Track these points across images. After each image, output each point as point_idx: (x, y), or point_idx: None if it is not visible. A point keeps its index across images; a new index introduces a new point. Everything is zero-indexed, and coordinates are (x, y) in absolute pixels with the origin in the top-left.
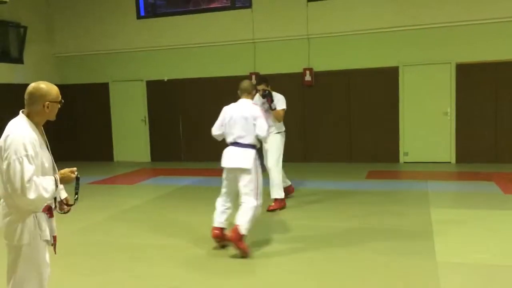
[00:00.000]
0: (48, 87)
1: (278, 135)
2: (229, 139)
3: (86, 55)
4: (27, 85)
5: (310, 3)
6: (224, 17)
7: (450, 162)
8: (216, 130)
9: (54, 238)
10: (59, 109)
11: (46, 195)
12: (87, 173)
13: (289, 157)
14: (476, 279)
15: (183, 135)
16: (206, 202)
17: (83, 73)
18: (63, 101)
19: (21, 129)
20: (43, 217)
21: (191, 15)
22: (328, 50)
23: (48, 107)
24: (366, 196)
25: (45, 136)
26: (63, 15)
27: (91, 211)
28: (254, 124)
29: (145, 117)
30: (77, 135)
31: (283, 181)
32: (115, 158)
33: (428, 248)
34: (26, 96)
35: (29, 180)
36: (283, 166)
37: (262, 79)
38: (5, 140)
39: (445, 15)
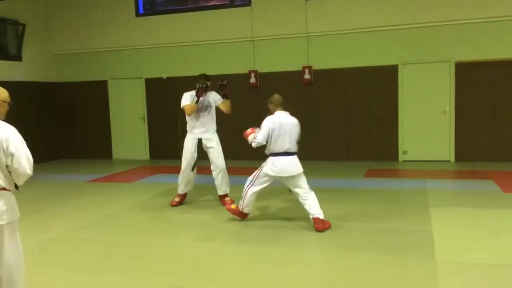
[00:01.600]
0: None
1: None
2: (277, 148)
3: (85, 52)
4: (26, 82)
5: (309, 2)
6: (223, 15)
7: (449, 161)
8: (263, 140)
9: None
10: (57, 107)
11: None
12: (85, 170)
13: None
14: (476, 278)
15: (182, 133)
16: (205, 200)
17: (82, 71)
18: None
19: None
20: None
21: (190, 13)
22: (327, 48)
23: None
24: (364, 194)
25: None
26: (61, 12)
27: (90, 209)
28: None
29: (143, 115)
30: (75, 133)
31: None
32: (114, 156)
33: (427, 246)
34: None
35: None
36: None
37: (202, 76)
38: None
39: (444, 13)
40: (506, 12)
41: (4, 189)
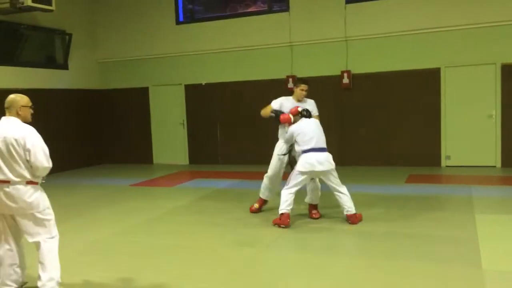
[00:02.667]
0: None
1: None
2: (306, 146)
3: (127, 60)
4: (72, 90)
5: (348, 5)
6: (262, 21)
7: (495, 166)
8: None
9: None
10: (100, 114)
11: None
12: (127, 175)
13: None
14: None
15: (220, 138)
16: (244, 204)
17: (125, 78)
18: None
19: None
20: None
21: (228, 20)
22: (366, 52)
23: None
24: (406, 201)
25: None
26: (105, 22)
27: (132, 213)
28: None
29: (183, 120)
30: (117, 138)
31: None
32: (155, 161)
33: (474, 255)
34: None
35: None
36: None
37: (300, 80)
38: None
39: (489, 14)
40: None
41: (31, 182)
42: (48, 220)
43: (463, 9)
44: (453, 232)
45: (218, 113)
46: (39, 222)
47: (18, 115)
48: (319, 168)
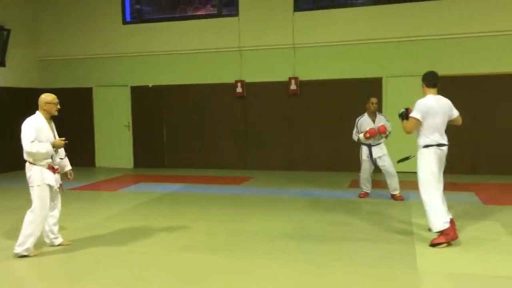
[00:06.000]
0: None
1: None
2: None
3: (71, 59)
4: (9, 88)
5: (296, 13)
6: (211, 25)
7: None
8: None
9: (61, 185)
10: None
11: (43, 150)
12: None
13: (274, 165)
14: None
15: (167, 142)
16: (190, 209)
17: (67, 77)
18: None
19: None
20: (46, 170)
21: (177, 22)
22: (313, 60)
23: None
24: (350, 205)
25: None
26: (48, 18)
27: (73, 218)
28: None
29: (128, 123)
30: None
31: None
32: (97, 164)
33: (410, 257)
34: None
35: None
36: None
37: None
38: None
39: (429, 28)
40: (493, 28)
41: (30, 162)
42: (32, 195)
43: (403, 23)
44: (391, 234)
45: (165, 116)
46: (31, 194)
47: (43, 110)
48: (376, 155)
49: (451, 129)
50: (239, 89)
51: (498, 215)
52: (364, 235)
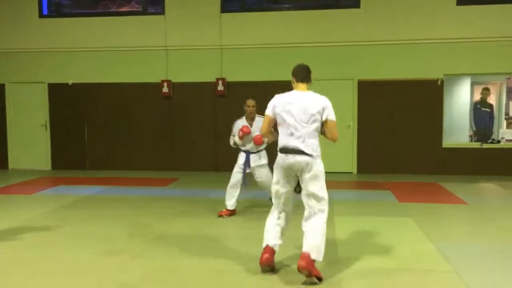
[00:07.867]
0: None
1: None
2: None
3: None
4: None
5: (223, 14)
6: (136, 22)
7: (352, 172)
8: None
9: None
10: None
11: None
12: None
13: (201, 166)
14: (375, 281)
15: (88, 142)
16: (109, 212)
17: None
18: None
19: None
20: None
21: (99, 18)
22: (240, 61)
23: None
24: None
25: None
26: None
27: None
28: None
29: (46, 122)
30: None
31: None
32: (10, 166)
33: (332, 254)
34: None
35: None
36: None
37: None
38: None
39: (352, 34)
40: (404, 36)
41: None
42: None
43: (327, 28)
44: None
45: (87, 115)
46: None
47: None
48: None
49: (372, 131)
50: (165, 89)
51: (411, 212)
52: None
